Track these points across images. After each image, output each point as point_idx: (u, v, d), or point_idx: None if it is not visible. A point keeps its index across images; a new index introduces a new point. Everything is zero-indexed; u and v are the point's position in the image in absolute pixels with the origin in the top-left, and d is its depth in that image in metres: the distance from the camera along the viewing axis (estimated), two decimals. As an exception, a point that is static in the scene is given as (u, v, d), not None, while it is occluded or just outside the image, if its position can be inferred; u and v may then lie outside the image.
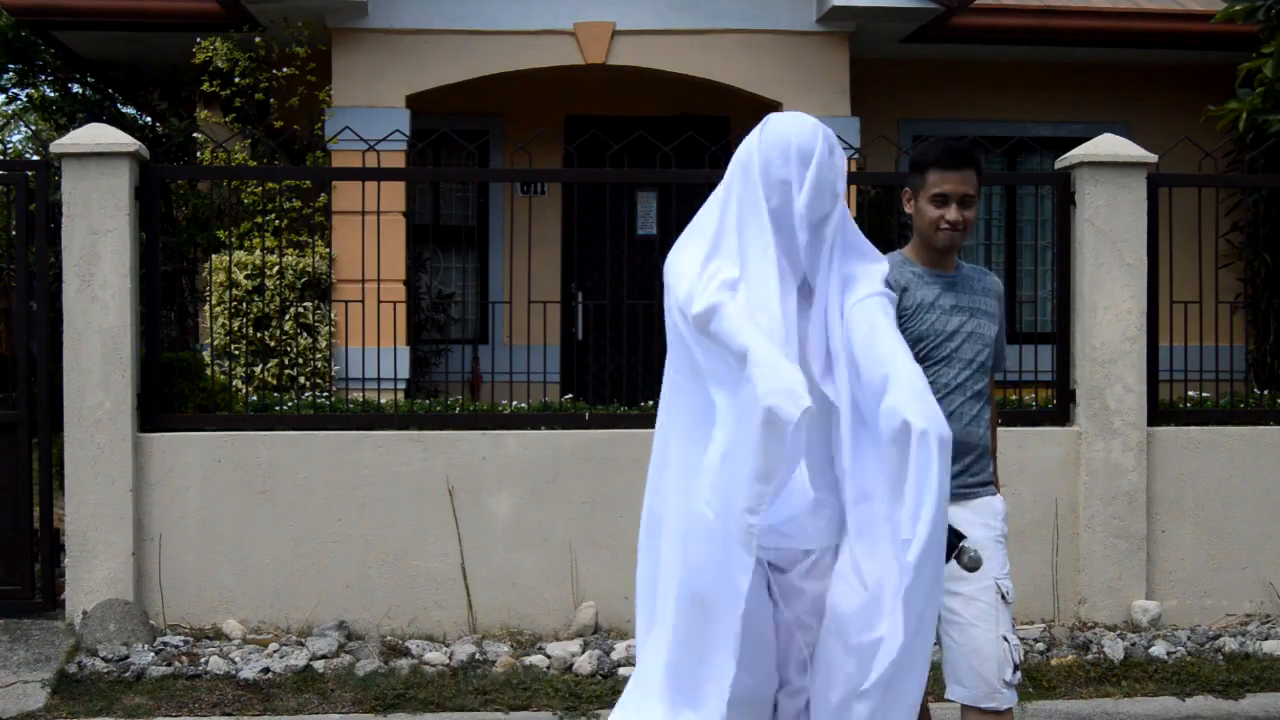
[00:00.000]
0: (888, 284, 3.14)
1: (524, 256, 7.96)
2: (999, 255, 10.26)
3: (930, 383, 2.96)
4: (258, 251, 7.82)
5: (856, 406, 2.94)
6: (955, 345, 3.56)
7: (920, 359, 3.35)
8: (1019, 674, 3.48)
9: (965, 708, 3.48)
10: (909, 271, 3.59)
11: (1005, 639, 3.44)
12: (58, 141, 6.19)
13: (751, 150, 3.00)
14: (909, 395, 2.82)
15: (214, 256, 8.10)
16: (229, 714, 5.09)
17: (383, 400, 6.84)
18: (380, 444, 5.98)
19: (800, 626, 3.00)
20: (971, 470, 3.54)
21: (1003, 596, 3.45)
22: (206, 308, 8.01)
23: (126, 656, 5.51)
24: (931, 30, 9.37)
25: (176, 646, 5.64)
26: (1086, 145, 6.60)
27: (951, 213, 3.50)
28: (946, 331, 3.56)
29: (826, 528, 3.00)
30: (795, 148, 2.95)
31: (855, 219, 8.50)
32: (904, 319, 3.49)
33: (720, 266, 2.93)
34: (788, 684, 3.06)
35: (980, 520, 3.49)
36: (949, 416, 3.09)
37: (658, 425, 3.15)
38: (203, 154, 8.61)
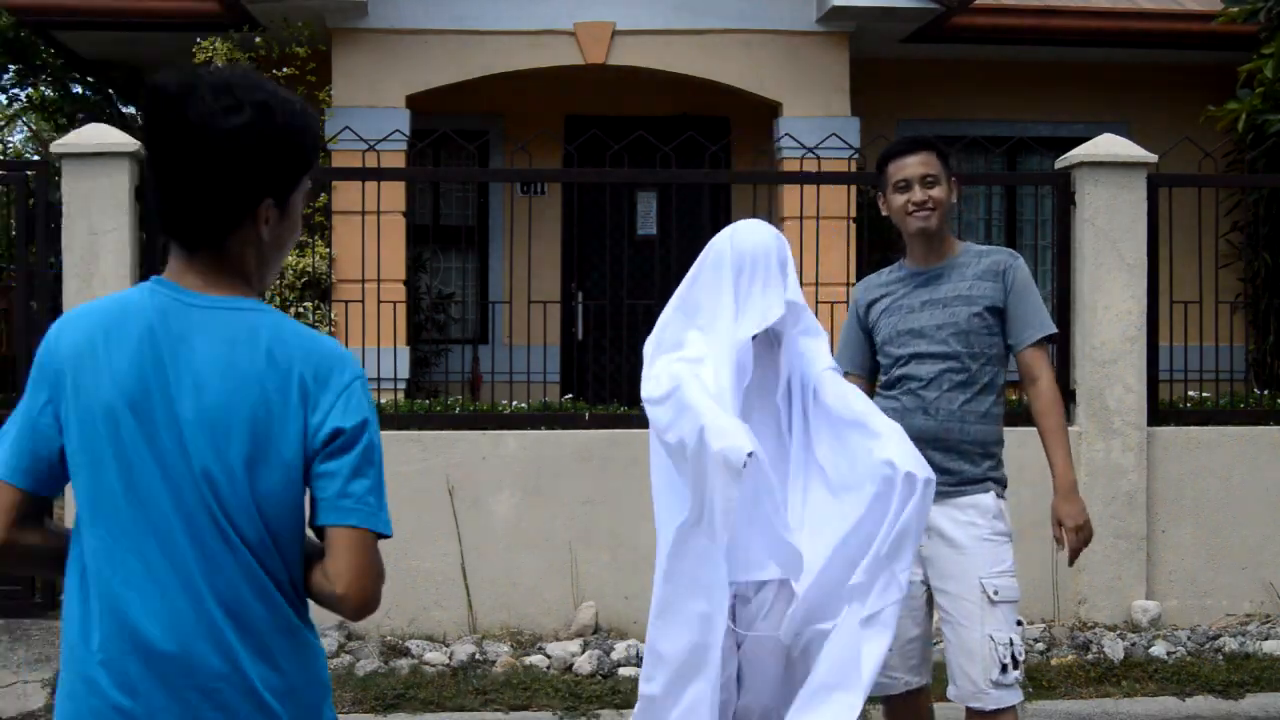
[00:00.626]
0: (854, 306, 3.82)
1: (524, 256, 7.95)
2: (999, 255, 10.25)
3: (901, 378, 3.61)
4: (258, 251, 7.81)
5: (812, 455, 3.25)
6: (924, 341, 3.57)
7: (890, 363, 3.63)
8: (1015, 673, 3.43)
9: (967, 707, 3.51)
10: (879, 283, 3.76)
11: (992, 638, 3.40)
12: (58, 141, 6.19)
13: (722, 249, 3.30)
14: (894, 443, 3.12)
15: (214, 256, 8.10)
16: (229, 714, 5.09)
17: (383, 400, 6.84)
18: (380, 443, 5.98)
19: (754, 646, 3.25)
20: (952, 470, 3.49)
21: (989, 596, 3.42)
22: (206, 308, 8.00)
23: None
24: (931, 30, 9.37)
25: (176, 646, 5.64)
26: (1086, 145, 6.60)
27: (915, 194, 3.59)
28: (912, 329, 3.61)
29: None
30: (748, 258, 3.25)
31: (855, 219, 8.47)
32: (872, 331, 3.72)
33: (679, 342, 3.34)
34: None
35: (965, 519, 3.48)
36: (923, 411, 3.54)
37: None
38: (203, 154, 8.61)
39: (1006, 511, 3.60)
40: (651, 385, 3.28)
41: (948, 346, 3.57)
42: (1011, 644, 3.44)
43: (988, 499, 3.54)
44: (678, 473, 3.15)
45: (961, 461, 3.53)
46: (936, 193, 3.61)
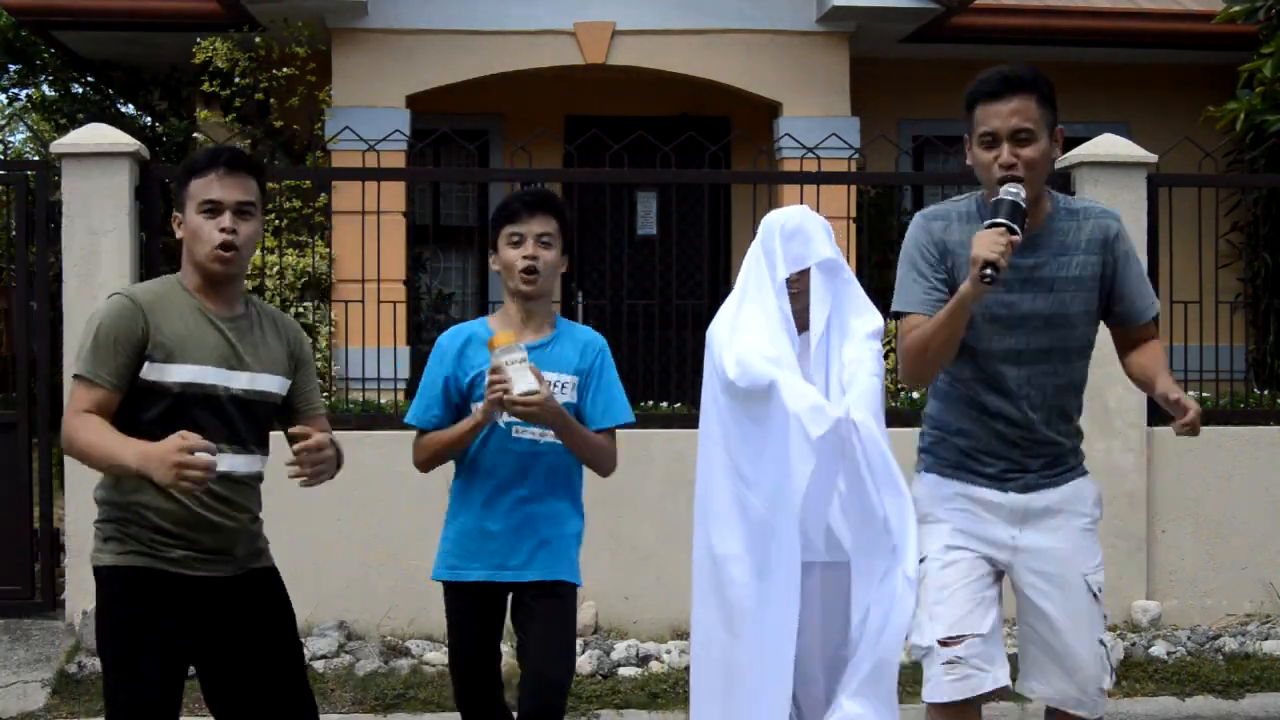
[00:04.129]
0: (921, 251, 3.24)
1: (524, 256, 7.94)
2: (999, 255, 10.24)
3: (970, 378, 3.22)
4: (258, 251, 7.82)
5: None
6: (1003, 334, 3.15)
7: (961, 350, 3.17)
8: (1113, 676, 3.35)
9: (1051, 709, 3.35)
10: (963, 228, 3.16)
11: (1102, 643, 3.24)
12: (58, 141, 6.19)
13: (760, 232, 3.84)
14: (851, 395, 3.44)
15: (214, 256, 8.09)
16: (229, 714, 5.08)
17: (383, 400, 6.84)
18: (380, 444, 5.97)
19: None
20: (1044, 472, 3.25)
21: (1094, 594, 3.24)
22: (206, 308, 7.99)
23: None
24: (931, 30, 9.37)
25: (176, 646, 5.64)
26: (1086, 145, 6.60)
27: (1004, 154, 3.01)
28: (991, 315, 3.14)
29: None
30: (779, 227, 3.76)
31: (854, 219, 8.46)
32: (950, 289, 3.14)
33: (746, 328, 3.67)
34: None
35: (1070, 510, 3.26)
36: (993, 415, 3.22)
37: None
38: (203, 154, 8.60)
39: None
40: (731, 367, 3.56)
41: (1037, 342, 3.17)
42: (1110, 647, 3.33)
43: (1087, 484, 3.31)
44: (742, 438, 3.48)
45: (1051, 464, 3.27)
46: (1029, 153, 3.00)
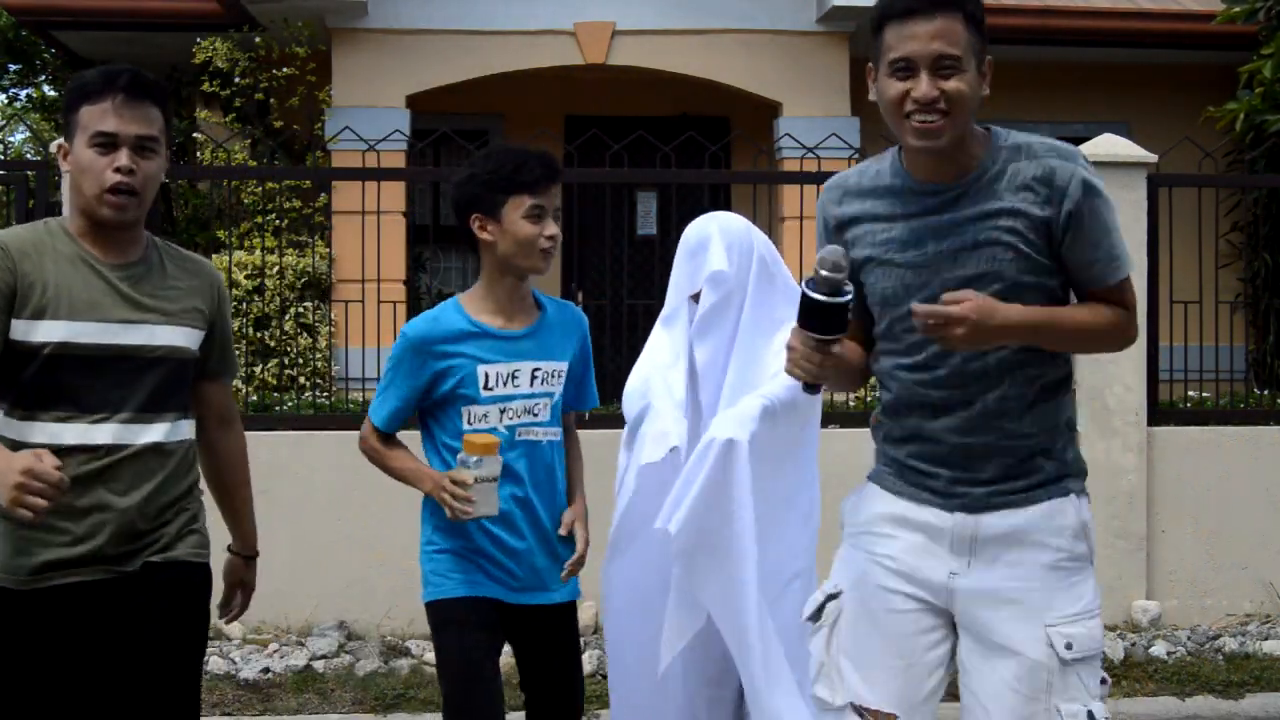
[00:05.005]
0: (823, 220, 2.65)
1: (524, 256, 7.96)
2: (999, 255, 10.26)
3: (898, 366, 2.53)
4: (258, 251, 7.82)
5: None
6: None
7: (880, 334, 2.57)
8: None
9: None
10: (867, 188, 2.57)
11: (1058, 711, 2.41)
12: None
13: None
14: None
15: (214, 256, 8.10)
16: (229, 714, 5.09)
17: (383, 400, 6.83)
18: (380, 444, 5.98)
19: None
20: (1000, 484, 2.48)
21: (1061, 657, 2.40)
22: (206, 308, 8.00)
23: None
24: (931, 30, 9.37)
25: (176, 646, 5.64)
26: (1086, 145, 6.60)
27: (922, 86, 2.33)
28: (907, 286, 2.47)
29: None
30: (682, 242, 3.56)
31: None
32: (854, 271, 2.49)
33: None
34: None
35: (1035, 540, 2.46)
36: (940, 409, 2.47)
37: None
38: (203, 154, 8.62)
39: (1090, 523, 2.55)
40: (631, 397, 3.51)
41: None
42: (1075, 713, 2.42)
43: (1067, 505, 2.50)
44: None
45: (1015, 468, 2.50)
46: (956, 85, 2.34)
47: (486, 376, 3.06)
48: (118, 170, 2.54)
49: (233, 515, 3.05)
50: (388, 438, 3.19)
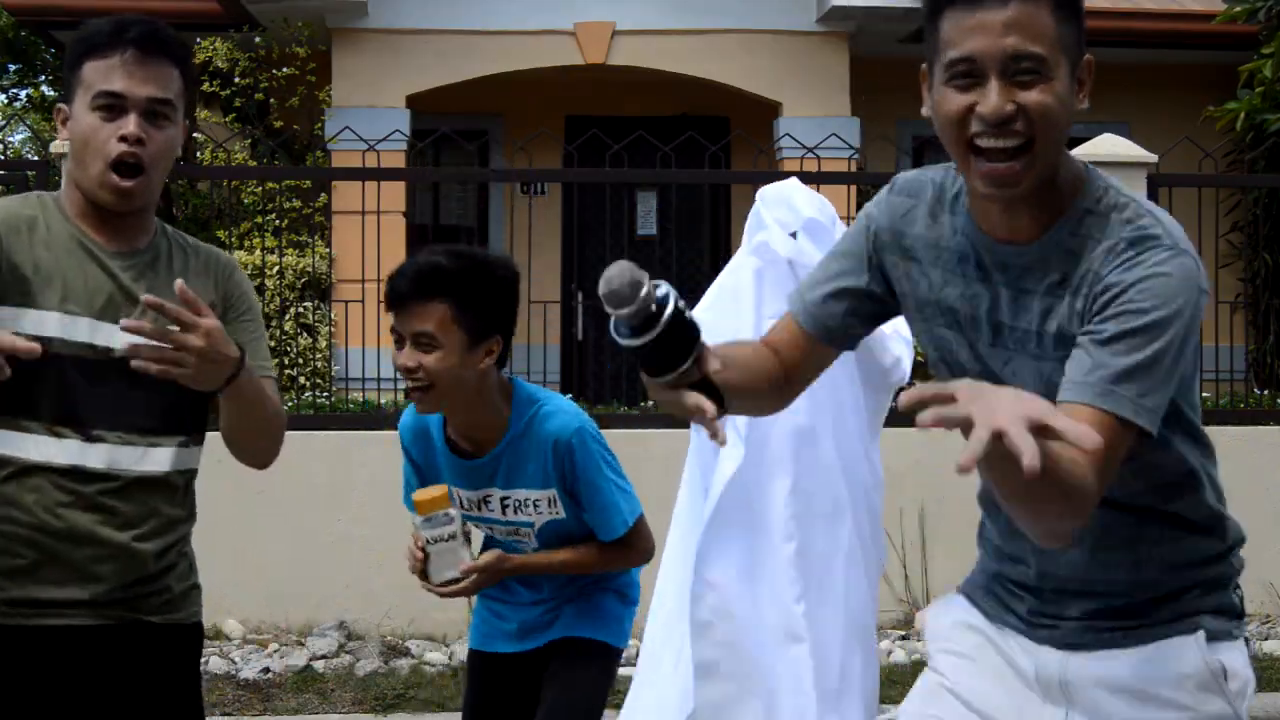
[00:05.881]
0: (852, 233, 1.99)
1: (524, 256, 7.95)
2: (999, 255, 10.26)
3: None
4: (258, 251, 7.82)
5: None
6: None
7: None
8: None
9: None
10: (913, 217, 1.86)
11: None
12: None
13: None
14: None
15: (214, 256, 8.11)
16: (229, 714, 5.09)
17: (383, 400, 6.84)
18: (380, 444, 5.98)
19: None
20: (1097, 621, 1.87)
21: None
22: (206, 308, 8.01)
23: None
24: (931, 30, 9.37)
25: (176, 646, 5.64)
26: (1086, 145, 6.60)
27: (992, 98, 1.62)
28: (965, 368, 1.81)
29: None
30: (762, 196, 3.18)
31: (854, 218, 8.44)
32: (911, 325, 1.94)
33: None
34: None
35: (1150, 692, 1.82)
36: (1005, 556, 1.94)
37: None
38: (203, 154, 8.62)
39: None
40: None
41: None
42: None
43: (1188, 649, 1.86)
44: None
45: (1116, 605, 1.90)
46: (1039, 98, 1.63)
47: (458, 499, 2.78)
48: (124, 139, 2.08)
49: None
50: None
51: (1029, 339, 1.73)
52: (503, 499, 2.71)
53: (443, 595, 2.68)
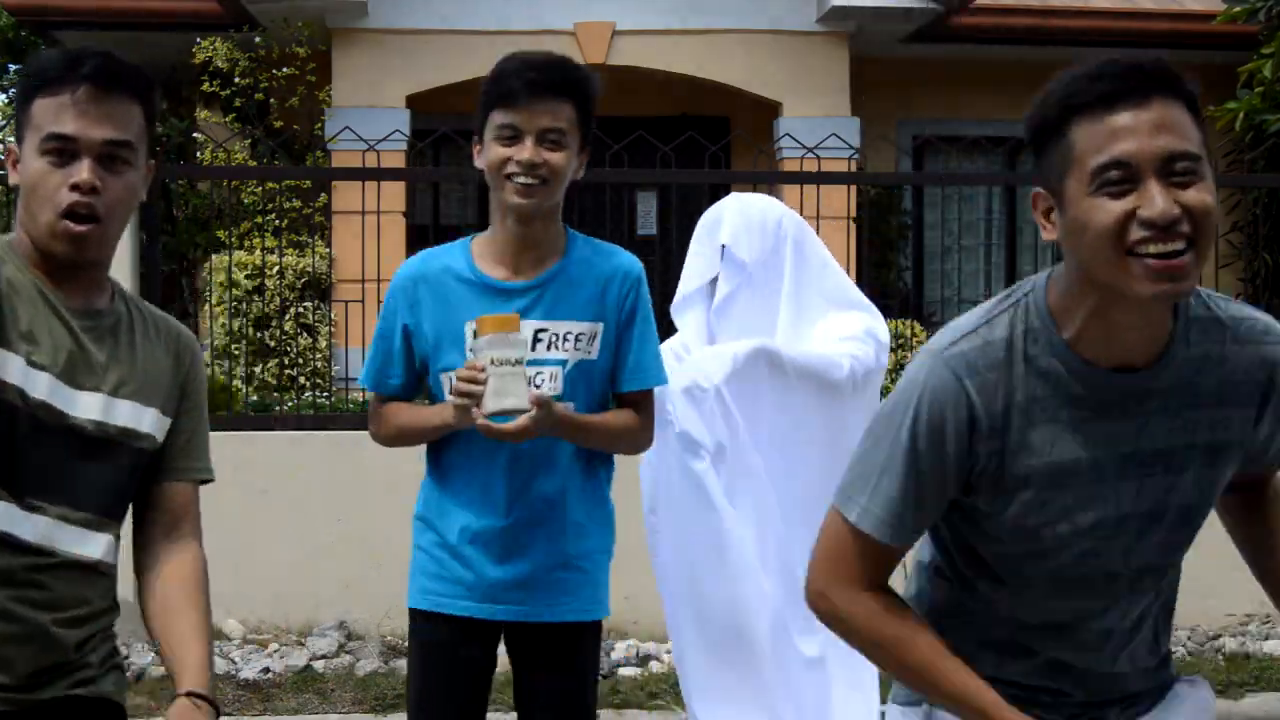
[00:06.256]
0: (932, 434, 1.69)
1: (524, 256, 7.99)
2: (999, 255, 10.26)
3: (1007, 615, 1.81)
4: (258, 251, 7.83)
5: None
6: (1110, 538, 1.75)
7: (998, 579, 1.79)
8: None
9: None
10: (1001, 379, 1.67)
11: None
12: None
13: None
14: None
15: (214, 256, 8.11)
16: (229, 714, 5.09)
17: (383, 400, 6.83)
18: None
19: None
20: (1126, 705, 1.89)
21: None
22: (206, 308, 8.02)
23: (126, 657, 5.51)
24: (931, 30, 9.37)
25: (176, 646, 5.64)
26: (1086, 145, 6.60)
27: (1158, 202, 1.52)
28: (1095, 517, 1.72)
29: None
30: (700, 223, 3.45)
31: (854, 219, 8.45)
32: (986, 505, 1.72)
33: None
34: None
35: None
36: (1088, 675, 1.85)
37: None
38: (203, 154, 8.62)
39: None
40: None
41: (1148, 556, 1.87)
42: None
43: (1196, 694, 1.98)
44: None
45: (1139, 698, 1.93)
46: (1199, 197, 1.55)
47: (474, 336, 2.47)
48: (75, 188, 1.84)
49: (185, 644, 2.08)
50: (382, 400, 2.68)
51: (1166, 457, 1.70)
52: (537, 332, 2.46)
53: (493, 432, 2.33)
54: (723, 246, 3.26)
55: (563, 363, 2.47)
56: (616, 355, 2.53)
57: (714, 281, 3.32)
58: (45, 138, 1.85)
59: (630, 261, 2.55)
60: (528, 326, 2.43)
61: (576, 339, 2.48)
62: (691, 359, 3.14)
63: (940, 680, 1.70)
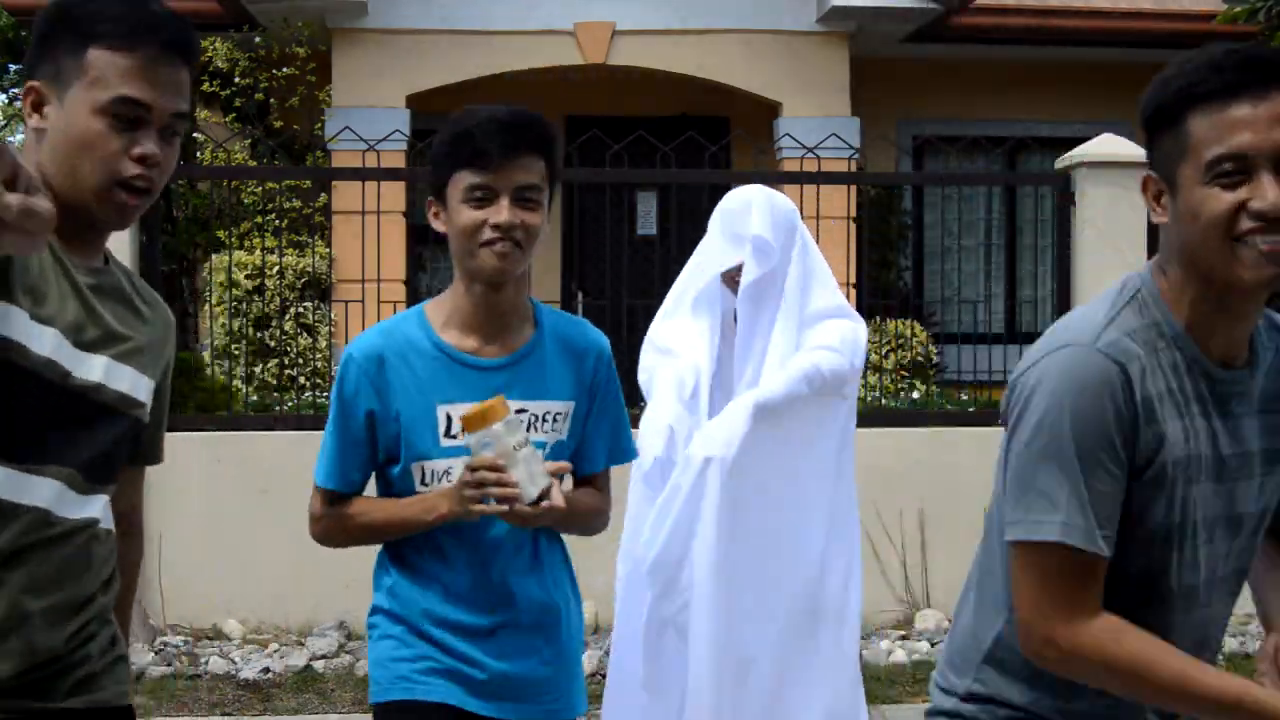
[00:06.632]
0: (1098, 428, 1.61)
1: (524, 256, 7.98)
2: (999, 255, 10.26)
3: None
4: (258, 251, 7.82)
5: None
6: (1208, 542, 1.70)
7: (1137, 583, 1.69)
8: None
9: None
10: (1149, 367, 1.65)
11: None
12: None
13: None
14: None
15: (214, 256, 8.11)
16: (229, 714, 5.09)
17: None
18: (380, 444, 5.98)
19: None
20: None
21: None
22: (206, 308, 8.01)
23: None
24: (931, 30, 9.37)
25: (176, 646, 5.64)
26: (1086, 145, 6.60)
27: (1271, 194, 1.55)
28: (1201, 519, 1.68)
29: None
30: (723, 212, 3.35)
31: (854, 219, 8.46)
32: (1144, 488, 1.65)
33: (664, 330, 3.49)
34: None
35: None
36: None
37: None
38: (203, 154, 8.62)
39: None
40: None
41: (1238, 545, 1.76)
42: None
43: None
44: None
45: None
46: None
47: (448, 420, 2.26)
48: (142, 160, 1.71)
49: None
50: (341, 498, 2.36)
51: (1248, 461, 1.69)
52: (516, 411, 2.20)
53: (535, 517, 2.15)
54: (754, 236, 3.25)
55: (543, 445, 2.28)
56: (585, 435, 2.37)
57: (727, 274, 3.33)
58: (117, 100, 1.69)
59: (601, 338, 2.41)
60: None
61: (554, 419, 2.31)
62: (705, 429, 3.15)
63: (1197, 687, 1.58)
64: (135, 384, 1.83)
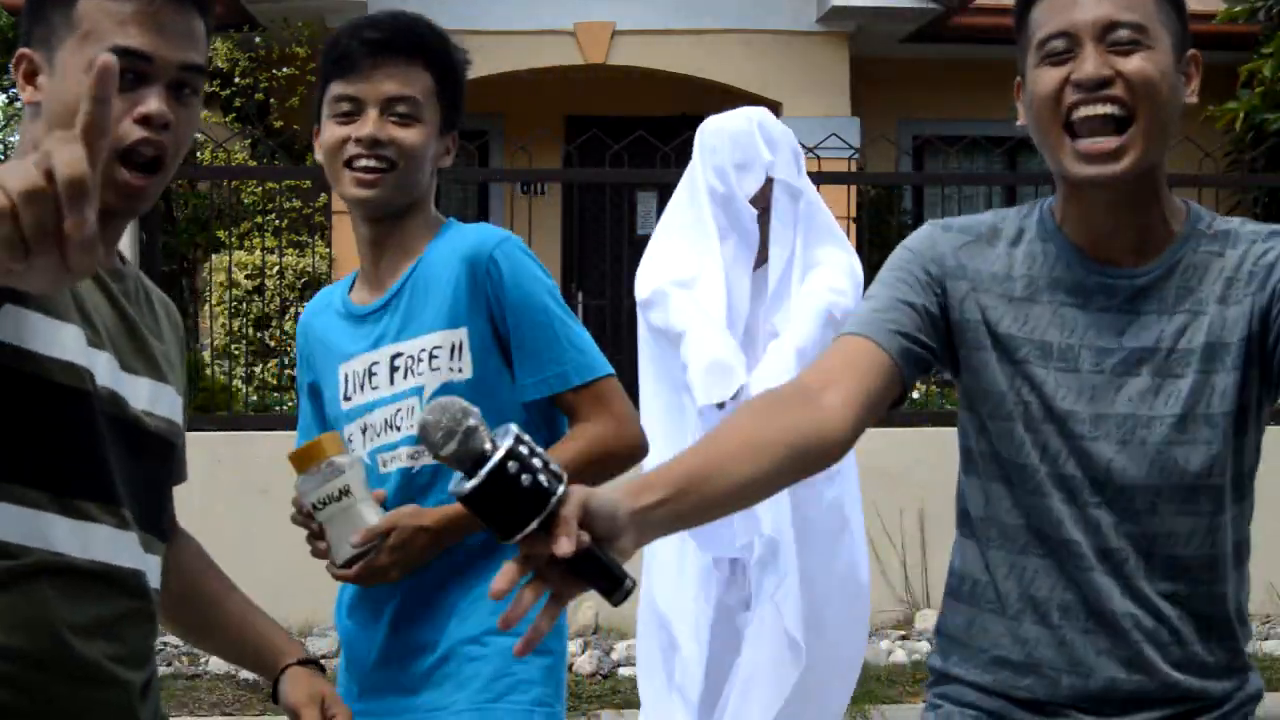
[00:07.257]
0: (905, 265, 1.72)
1: (524, 256, 7.98)
2: (999, 255, 10.27)
3: (1046, 551, 1.75)
4: (258, 251, 7.83)
5: None
6: (1097, 449, 1.62)
7: (1008, 480, 1.70)
8: None
9: None
10: (992, 253, 1.69)
11: None
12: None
13: (696, 150, 3.23)
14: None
15: (214, 256, 8.11)
16: (229, 714, 5.08)
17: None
18: (380, 444, 5.98)
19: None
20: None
21: None
22: (206, 308, 8.01)
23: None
24: (931, 30, 9.37)
25: (176, 646, 5.64)
26: (1086, 145, 6.60)
27: (1088, 64, 1.55)
28: (1082, 418, 1.62)
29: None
30: (727, 134, 3.14)
31: (854, 218, 8.46)
32: (969, 379, 1.69)
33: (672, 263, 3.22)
34: None
35: None
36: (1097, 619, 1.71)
37: None
38: (203, 154, 8.62)
39: None
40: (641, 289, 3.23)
41: (1169, 460, 1.65)
42: None
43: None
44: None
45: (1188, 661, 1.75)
46: (1139, 65, 1.54)
47: (346, 381, 1.99)
48: (145, 120, 1.40)
49: (253, 624, 1.90)
50: None
51: (1152, 356, 1.61)
52: (393, 359, 1.92)
53: (350, 580, 1.95)
54: (769, 163, 3.09)
55: (418, 391, 1.89)
56: (511, 360, 1.90)
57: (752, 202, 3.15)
58: (111, 52, 1.19)
59: (487, 236, 1.93)
60: (383, 357, 1.93)
61: (433, 356, 1.88)
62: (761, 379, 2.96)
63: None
64: (172, 405, 1.56)
